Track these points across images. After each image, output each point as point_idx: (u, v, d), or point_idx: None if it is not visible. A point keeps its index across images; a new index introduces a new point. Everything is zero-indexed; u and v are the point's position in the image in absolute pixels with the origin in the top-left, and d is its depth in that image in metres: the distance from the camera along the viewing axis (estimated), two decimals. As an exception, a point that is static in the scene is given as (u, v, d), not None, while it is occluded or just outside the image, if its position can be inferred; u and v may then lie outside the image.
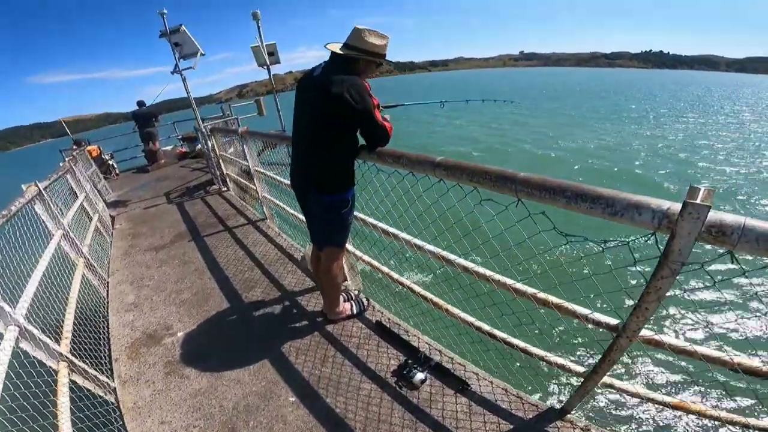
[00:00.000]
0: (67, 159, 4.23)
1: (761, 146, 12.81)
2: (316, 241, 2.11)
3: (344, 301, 2.35)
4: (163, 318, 2.67)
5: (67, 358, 1.86)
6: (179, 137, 9.48)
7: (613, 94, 37.00)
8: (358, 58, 1.68)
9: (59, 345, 1.93)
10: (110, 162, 8.42)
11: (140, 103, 8.34)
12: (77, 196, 4.13)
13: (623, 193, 0.85)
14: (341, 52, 1.69)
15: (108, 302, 3.03)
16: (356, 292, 2.49)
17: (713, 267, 1.27)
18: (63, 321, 2.25)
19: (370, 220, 2.16)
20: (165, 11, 4.41)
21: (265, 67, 4.63)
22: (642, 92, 39.52)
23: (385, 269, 2.21)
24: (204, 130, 5.06)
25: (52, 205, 2.86)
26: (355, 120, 1.65)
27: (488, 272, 1.54)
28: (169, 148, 9.07)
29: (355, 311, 2.33)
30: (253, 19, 4.27)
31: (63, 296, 2.51)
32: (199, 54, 4.62)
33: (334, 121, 1.66)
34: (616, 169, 10.21)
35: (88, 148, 7.75)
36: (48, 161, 6.78)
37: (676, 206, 0.77)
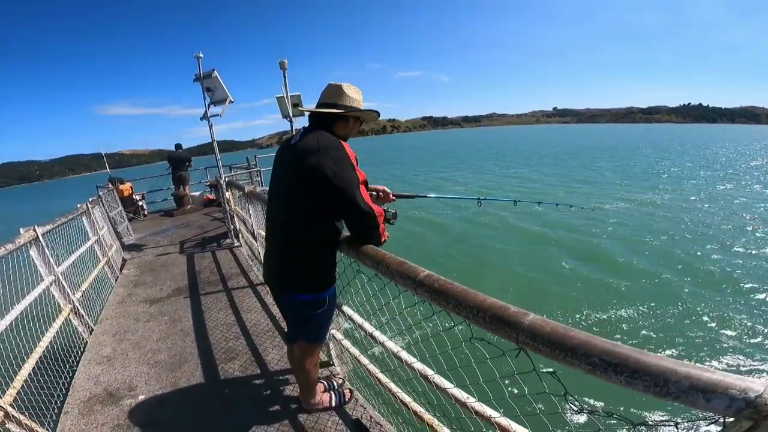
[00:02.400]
0: (87, 201, 4.30)
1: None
2: (289, 335, 1.84)
3: (323, 391, 2.04)
4: (130, 377, 2.47)
5: (2, 408, 1.78)
6: (207, 183, 9.79)
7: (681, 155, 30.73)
8: (343, 116, 1.48)
9: (2, 395, 1.90)
10: (140, 203, 8.74)
11: (177, 146, 8.76)
12: (89, 238, 4.15)
13: (684, 367, 0.57)
14: (324, 111, 1.47)
15: (83, 351, 2.87)
16: (340, 380, 2.17)
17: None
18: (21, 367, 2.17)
19: (356, 317, 1.91)
20: (201, 55, 4.53)
21: (288, 119, 4.66)
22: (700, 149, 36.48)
23: (371, 367, 1.91)
24: (222, 181, 5.10)
25: (47, 251, 2.81)
26: (332, 197, 1.36)
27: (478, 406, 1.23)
28: (197, 193, 9.36)
29: (333, 403, 2.00)
30: (280, 69, 4.32)
31: (31, 343, 2.39)
32: (227, 101, 4.70)
33: (311, 201, 1.39)
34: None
35: (121, 186, 8.11)
36: (93, 192, 7.14)
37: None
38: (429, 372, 1.46)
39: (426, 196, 2.16)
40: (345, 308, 1.97)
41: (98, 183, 7.62)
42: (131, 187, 8.51)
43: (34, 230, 2.69)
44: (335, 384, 2.11)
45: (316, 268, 1.51)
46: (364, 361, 1.97)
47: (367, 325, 1.84)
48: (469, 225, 10.59)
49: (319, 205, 1.40)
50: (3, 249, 2.23)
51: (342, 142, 1.42)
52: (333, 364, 2.33)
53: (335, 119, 1.48)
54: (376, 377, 1.86)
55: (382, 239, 1.47)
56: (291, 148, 1.46)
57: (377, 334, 1.76)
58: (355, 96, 1.49)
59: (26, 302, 2.46)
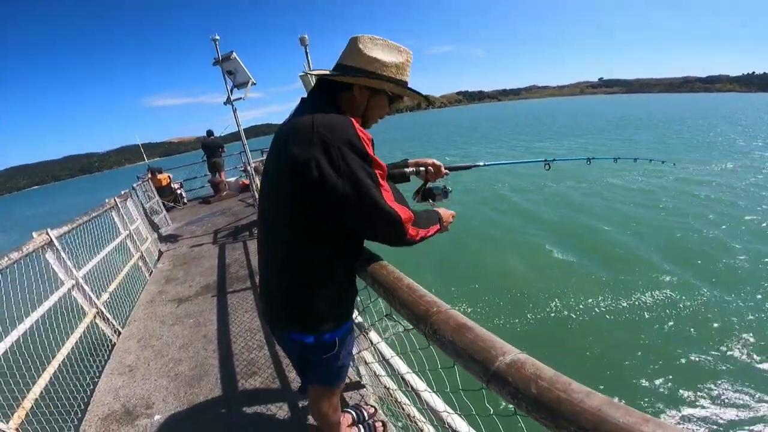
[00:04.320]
0: (114, 197, 4.18)
1: None
2: (302, 382, 1.38)
3: (350, 424, 1.70)
4: (149, 392, 2.29)
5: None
6: (242, 168, 9.73)
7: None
8: (349, 85, 1.01)
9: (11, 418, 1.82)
10: (179, 191, 8.82)
11: (209, 133, 8.69)
12: (120, 233, 4.05)
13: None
14: (326, 74, 1.04)
15: (108, 358, 2.76)
16: (371, 409, 1.81)
17: None
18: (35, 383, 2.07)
19: (384, 349, 1.56)
20: (217, 37, 4.27)
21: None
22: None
23: (410, 408, 1.52)
24: (250, 167, 4.85)
25: (63, 255, 2.63)
26: (336, 202, 0.92)
27: None
28: (233, 179, 9.32)
29: None
30: (301, 45, 3.90)
31: (49, 354, 2.30)
32: (250, 83, 4.44)
33: (306, 205, 0.95)
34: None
35: (159, 176, 8.17)
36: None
37: None
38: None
39: (482, 165, 1.79)
40: (372, 334, 1.60)
41: (139, 173, 7.70)
42: (169, 177, 8.58)
43: (47, 234, 2.50)
44: (365, 414, 1.78)
45: (318, 300, 1.05)
46: (401, 398, 1.61)
47: (399, 363, 1.48)
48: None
49: (319, 212, 0.96)
50: (6, 259, 2.02)
51: (351, 119, 0.95)
52: (364, 386, 1.99)
53: (341, 89, 1.03)
54: (415, 421, 1.49)
55: (417, 237, 1.05)
56: (281, 130, 1.04)
57: (412, 379, 1.41)
58: (381, 55, 0.99)
59: (42, 310, 2.34)
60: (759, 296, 4.80)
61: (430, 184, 1.49)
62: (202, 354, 2.60)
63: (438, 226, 1.15)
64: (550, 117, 53.72)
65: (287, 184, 0.95)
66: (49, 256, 2.56)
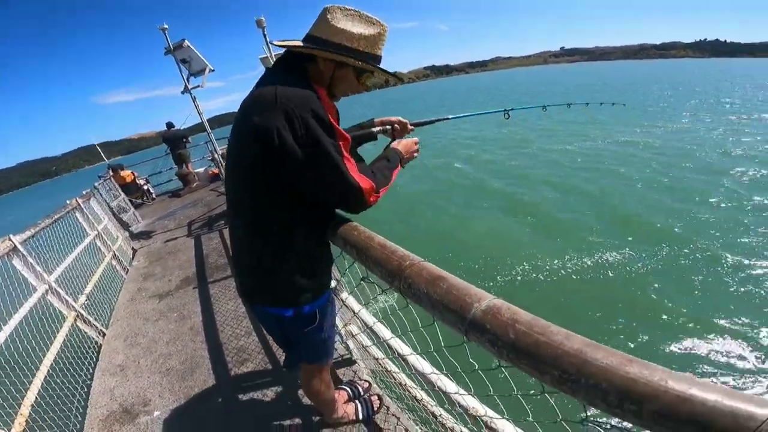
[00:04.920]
0: (76, 198, 4.00)
1: None
2: (285, 358, 1.38)
3: (346, 401, 1.73)
4: (143, 389, 2.29)
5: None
6: (210, 158, 9.43)
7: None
8: (314, 57, 0.99)
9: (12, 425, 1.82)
10: (145, 187, 8.48)
11: (169, 125, 8.33)
12: (88, 234, 3.90)
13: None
14: (286, 45, 1.01)
15: (98, 359, 2.73)
16: (365, 384, 1.85)
17: None
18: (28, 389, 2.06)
19: (366, 316, 1.60)
20: (166, 26, 4.07)
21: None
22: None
23: (399, 375, 1.60)
24: (217, 155, 4.73)
25: (30, 259, 2.54)
26: (297, 172, 0.92)
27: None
28: (201, 170, 9.02)
29: (360, 415, 1.69)
30: (258, 27, 3.77)
31: (35, 360, 2.28)
32: (207, 70, 4.30)
33: (266, 174, 0.94)
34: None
35: (122, 173, 7.82)
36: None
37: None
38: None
39: (447, 119, 1.87)
40: (351, 301, 1.64)
41: (101, 173, 7.33)
42: (133, 173, 8.22)
43: (11, 240, 2.41)
44: (360, 390, 1.82)
45: (291, 271, 1.05)
46: (391, 367, 1.68)
47: (383, 330, 1.54)
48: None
49: (280, 181, 0.95)
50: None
51: (315, 90, 0.94)
52: (355, 361, 2.05)
53: (306, 60, 1.00)
54: (407, 389, 1.57)
55: (379, 198, 1.06)
56: (244, 101, 1.01)
57: (398, 344, 1.45)
58: (350, 27, 0.95)
59: (18, 317, 2.28)
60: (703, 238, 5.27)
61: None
62: (190, 347, 2.61)
63: (399, 168, 1.18)
64: (515, 87, 54.97)
65: (249, 155, 0.95)
66: (16, 262, 2.47)
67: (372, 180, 1.02)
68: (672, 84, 34.29)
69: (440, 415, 1.43)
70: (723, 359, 3.51)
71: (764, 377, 3.28)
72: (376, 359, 1.73)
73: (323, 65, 0.99)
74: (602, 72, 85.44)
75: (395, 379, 1.66)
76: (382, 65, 1.05)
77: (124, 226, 5.89)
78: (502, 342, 0.50)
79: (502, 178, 9.47)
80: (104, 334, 3.00)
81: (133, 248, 5.16)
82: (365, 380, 1.90)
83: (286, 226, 1.01)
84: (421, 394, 1.51)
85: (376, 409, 1.72)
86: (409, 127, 1.47)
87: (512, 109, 2.21)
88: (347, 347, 2.06)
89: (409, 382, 1.58)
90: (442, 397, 1.31)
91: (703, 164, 8.88)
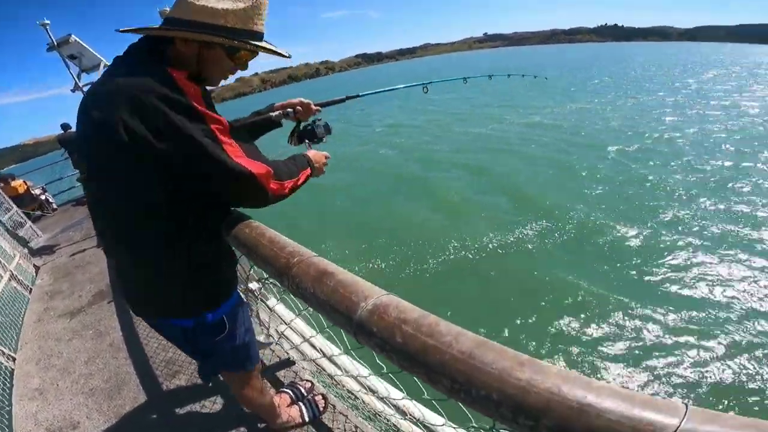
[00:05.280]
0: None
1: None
2: (199, 368, 1.29)
3: (290, 404, 1.67)
4: (68, 411, 2.23)
5: None
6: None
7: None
8: (172, 40, 0.88)
9: None
10: (43, 197, 7.65)
11: (64, 126, 7.53)
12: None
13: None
14: (144, 29, 0.91)
15: (12, 386, 2.58)
16: (308, 385, 1.80)
17: None
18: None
19: (283, 311, 1.66)
20: (47, 22, 3.76)
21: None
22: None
23: (334, 371, 1.61)
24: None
25: None
26: (161, 164, 0.80)
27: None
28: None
29: (306, 417, 1.63)
30: (161, 17, 3.64)
31: None
32: (102, 65, 4.07)
33: (133, 180, 0.83)
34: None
35: (13, 183, 6.99)
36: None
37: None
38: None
39: (358, 96, 1.67)
40: (272, 301, 1.67)
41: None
42: (26, 183, 7.36)
43: None
44: (303, 391, 1.74)
45: (186, 281, 0.97)
46: (329, 367, 1.68)
47: (304, 327, 1.62)
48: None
49: (152, 184, 0.83)
50: None
51: (173, 73, 0.81)
52: (294, 362, 2.03)
53: (163, 43, 0.89)
54: (348, 388, 1.58)
55: (286, 190, 0.97)
56: (85, 96, 0.90)
57: (327, 344, 1.45)
58: (204, 2, 0.83)
59: None
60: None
61: (303, 123, 1.39)
62: (113, 364, 2.56)
63: (309, 170, 1.09)
64: (440, 69, 57.35)
65: (101, 158, 0.85)
66: None
67: (268, 165, 0.90)
68: (577, 66, 38.27)
69: (383, 411, 1.44)
70: (623, 341, 3.54)
71: (669, 360, 3.28)
72: (313, 360, 1.70)
73: (184, 47, 0.87)
74: (520, 56, 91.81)
75: (333, 380, 1.64)
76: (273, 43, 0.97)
77: (22, 242, 5.36)
78: (390, 347, 0.46)
79: (418, 163, 9.86)
80: (14, 359, 2.86)
81: (35, 265, 4.75)
82: (307, 380, 1.84)
83: (169, 232, 0.90)
84: (362, 395, 1.51)
85: (322, 409, 1.68)
86: (313, 107, 1.37)
87: (431, 83, 2.19)
88: (283, 348, 2.04)
89: (349, 381, 1.57)
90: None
91: (589, 141, 10.28)
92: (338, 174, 9.43)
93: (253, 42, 0.90)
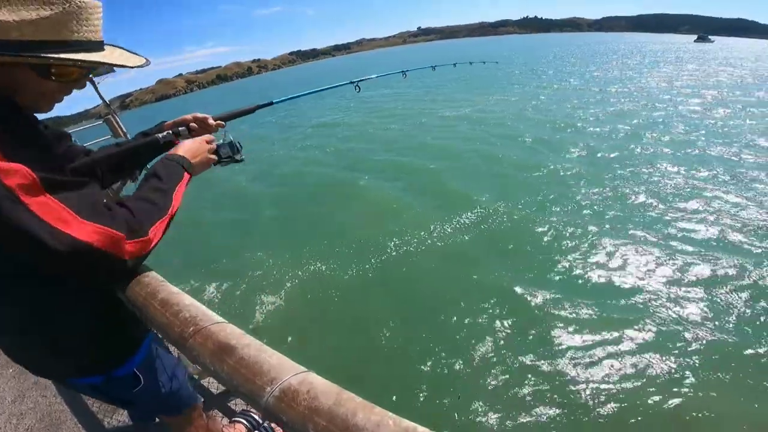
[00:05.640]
0: None
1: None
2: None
3: None
4: None
5: None
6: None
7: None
8: None
9: None
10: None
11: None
12: None
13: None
14: None
15: None
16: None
17: None
18: None
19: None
20: None
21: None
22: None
23: None
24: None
25: None
26: None
27: None
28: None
29: None
30: None
31: None
32: None
33: None
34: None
35: None
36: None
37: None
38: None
39: (271, 103, 1.45)
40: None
41: None
42: None
43: None
44: (257, 418, 1.61)
45: (78, 344, 0.86)
46: None
47: None
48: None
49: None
50: None
51: None
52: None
53: None
54: None
55: (154, 241, 0.74)
56: None
57: None
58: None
59: None
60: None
61: None
62: (43, 402, 2.45)
63: (187, 175, 0.88)
64: (375, 63, 57.51)
65: None
66: None
67: (115, 221, 0.66)
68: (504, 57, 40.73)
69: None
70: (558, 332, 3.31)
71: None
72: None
73: None
74: (453, 48, 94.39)
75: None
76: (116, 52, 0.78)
77: None
78: None
79: (346, 165, 9.17)
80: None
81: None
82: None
83: (38, 299, 0.77)
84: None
85: None
86: (211, 122, 1.13)
87: (362, 80, 2.00)
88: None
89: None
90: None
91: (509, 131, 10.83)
92: (263, 182, 8.78)
93: (65, 55, 0.67)
